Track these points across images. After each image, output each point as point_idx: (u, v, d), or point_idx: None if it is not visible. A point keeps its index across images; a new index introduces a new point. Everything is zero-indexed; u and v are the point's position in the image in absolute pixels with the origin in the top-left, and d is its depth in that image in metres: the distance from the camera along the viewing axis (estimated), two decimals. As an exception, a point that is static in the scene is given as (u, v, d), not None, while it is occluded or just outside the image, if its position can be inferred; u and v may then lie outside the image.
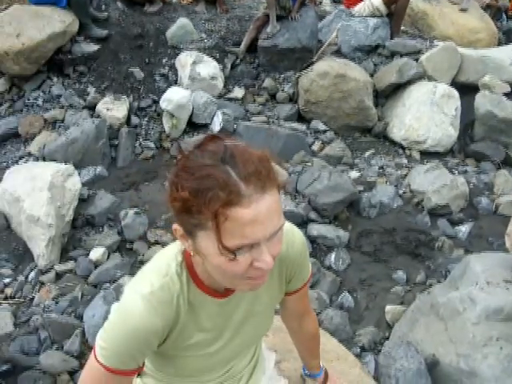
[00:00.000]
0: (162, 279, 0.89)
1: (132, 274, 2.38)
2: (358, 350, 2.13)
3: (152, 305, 0.86)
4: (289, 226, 1.05)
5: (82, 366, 1.94)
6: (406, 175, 3.22)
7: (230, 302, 0.98)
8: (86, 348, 1.99)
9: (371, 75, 3.86)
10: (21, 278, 2.43)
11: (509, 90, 3.98)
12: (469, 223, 2.93)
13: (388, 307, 2.33)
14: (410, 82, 3.80)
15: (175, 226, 0.84)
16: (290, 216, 2.53)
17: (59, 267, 2.43)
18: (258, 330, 1.10)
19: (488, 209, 3.05)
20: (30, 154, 3.19)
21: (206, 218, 0.75)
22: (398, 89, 3.85)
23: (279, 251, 0.83)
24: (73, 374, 1.90)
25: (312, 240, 2.64)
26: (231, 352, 1.06)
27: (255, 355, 1.21)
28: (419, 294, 2.33)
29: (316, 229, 2.66)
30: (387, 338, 2.21)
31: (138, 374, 1.20)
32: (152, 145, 3.28)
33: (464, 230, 2.89)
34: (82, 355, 1.97)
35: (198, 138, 0.79)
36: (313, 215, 2.70)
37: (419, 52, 3.97)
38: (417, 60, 3.88)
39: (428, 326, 2.00)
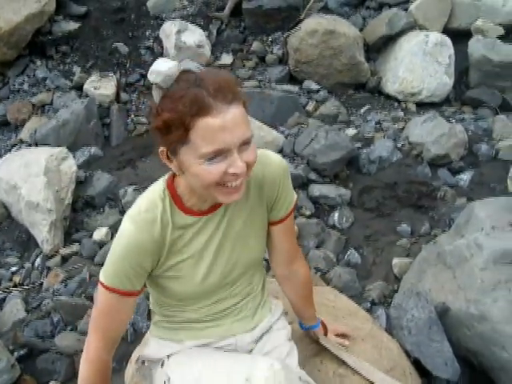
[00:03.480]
0: (147, 203, 1.05)
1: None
2: (369, 304, 2.15)
3: (138, 224, 1.02)
4: (266, 151, 1.17)
5: (97, 344, 1.96)
6: (403, 128, 3.18)
7: (211, 219, 1.10)
8: (99, 327, 2.01)
9: (361, 30, 3.77)
10: (27, 264, 2.43)
11: (502, 32, 3.89)
12: (470, 171, 2.91)
13: (395, 260, 2.34)
14: (400, 34, 3.71)
15: (161, 149, 0.99)
16: (289, 179, 2.51)
17: (64, 251, 2.44)
18: (248, 252, 1.17)
19: (488, 155, 3.03)
20: (22, 141, 3.15)
21: (184, 131, 0.91)
22: (388, 41, 3.77)
23: (253, 160, 0.98)
24: (89, 352, 1.93)
25: (314, 200, 2.63)
26: (225, 270, 1.15)
27: (258, 287, 1.29)
28: (425, 245, 2.33)
29: (317, 189, 2.64)
30: (396, 291, 2.23)
31: (150, 318, 1.28)
32: (144, 120, 3.23)
33: (465, 177, 2.88)
34: (96, 334, 1.99)
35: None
36: (313, 176, 2.68)
37: (408, 1, 3.85)
38: (406, 10, 3.77)
39: (436, 276, 2.01)
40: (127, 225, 1.03)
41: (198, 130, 0.90)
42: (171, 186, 1.06)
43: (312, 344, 1.52)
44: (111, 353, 1.13)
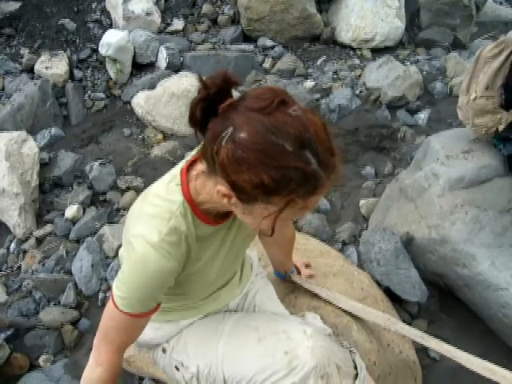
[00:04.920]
0: (168, 224, 0.91)
1: (110, 222, 2.41)
2: (340, 245, 2.24)
3: (165, 249, 0.91)
4: None
5: (81, 314, 2.01)
6: (360, 75, 3.23)
7: (227, 222, 1.06)
8: (81, 298, 2.05)
9: (309, -19, 3.75)
10: (2, 250, 2.42)
11: (448, -31, 3.92)
12: (427, 109, 3.01)
13: (362, 202, 2.43)
14: (349, -19, 3.71)
15: (224, 191, 0.82)
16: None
17: (38, 232, 2.43)
18: (250, 238, 1.19)
19: (443, 92, 3.12)
20: (-22, 131, 3.07)
21: (282, 201, 0.78)
22: (339, -10, 3.77)
23: None
24: (75, 323, 1.98)
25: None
26: (231, 262, 1.16)
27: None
28: (389, 184, 2.42)
29: (281, 143, 2.68)
30: (365, 230, 2.33)
31: None
32: (102, 95, 3.18)
33: (423, 116, 2.97)
34: (79, 305, 2.03)
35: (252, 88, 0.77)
36: (275, 131, 2.72)
37: None
38: (352, -45, 3.75)
39: (399, 209, 2.11)
40: (150, 252, 0.90)
41: (303, 205, 0.80)
42: (189, 197, 0.94)
43: (286, 283, 1.60)
44: (123, 354, 1.06)
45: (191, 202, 0.94)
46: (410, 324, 1.89)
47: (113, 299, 0.96)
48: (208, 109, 0.80)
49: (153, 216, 0.92)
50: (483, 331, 1.88)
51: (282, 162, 0.74)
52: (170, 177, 0.98)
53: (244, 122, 0.76)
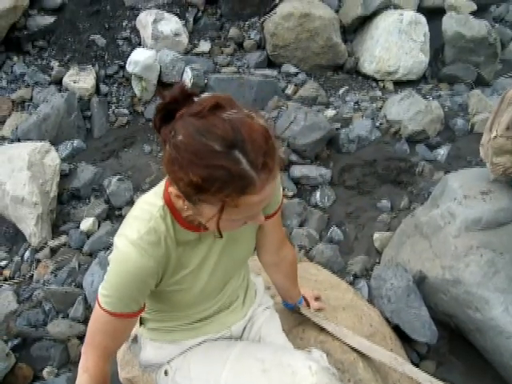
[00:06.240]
0: (148, 224, 0.96)
1: (124, 238, 2.43)
2: (351, 278, 2.22)
3: (143, 248, 0.94)
4: None
5: (89, 329, 2.02)
6: (381, 107, 3.24)
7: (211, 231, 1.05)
8: (89, 313, 2.06)
9: (336, 11, 3.80)
10: (16, 258, 2.46)
11: (475, 8, 3.96)
12: (446, 145, 2.99)
13: (376, 235, 2.41)
14: (376, 13, 3.74)
15: (174, 192, 0.88)
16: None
17: (52, 243, 2.46)
18: (243, 253, 1.20)
19: (464, 129, 3.11)
20: (3, 138, 3.15)
21: (216, 200, 0.82)
22: (364, 22, 3.80)
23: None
24: (81, 338, 1.98)
25: (296, 181, 2.68)
26: (223, 275, 1.15)
27: (245, 276, 1.32)
28: (404, 219, 2.41)
29: (298, 170, 2.69)
30: (378, 264, 2.31)
31: (141, 323, 1.28)
32: (125, 111, 3.24)
33: (442, 152, 2.96)
34: (87, 320, 2.03)
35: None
36: (294, 157, 2.73)
37: (382, -19, 3.88)
38: (380, -11, 3.80)
39: (414, 246, 2.09)
40: (130, 250, 0.94)
41: (233, 205, 0.82)
42: (170, 202, 0.98)
43: (294, 315, 1.59)
44: (111, 360, 1.07)
45: (171, 206, 0.98)
46: (417, 365, 1.86)
47: (97, 299, 0.99)
48: (166, 117, 0.86)
49: (136, 217, 0.98)
50: (494, 378, 1.83)
51: (210, 161, 0.78)
52: (160, 184, 1.03)
53: (181, 126, 0.81)
